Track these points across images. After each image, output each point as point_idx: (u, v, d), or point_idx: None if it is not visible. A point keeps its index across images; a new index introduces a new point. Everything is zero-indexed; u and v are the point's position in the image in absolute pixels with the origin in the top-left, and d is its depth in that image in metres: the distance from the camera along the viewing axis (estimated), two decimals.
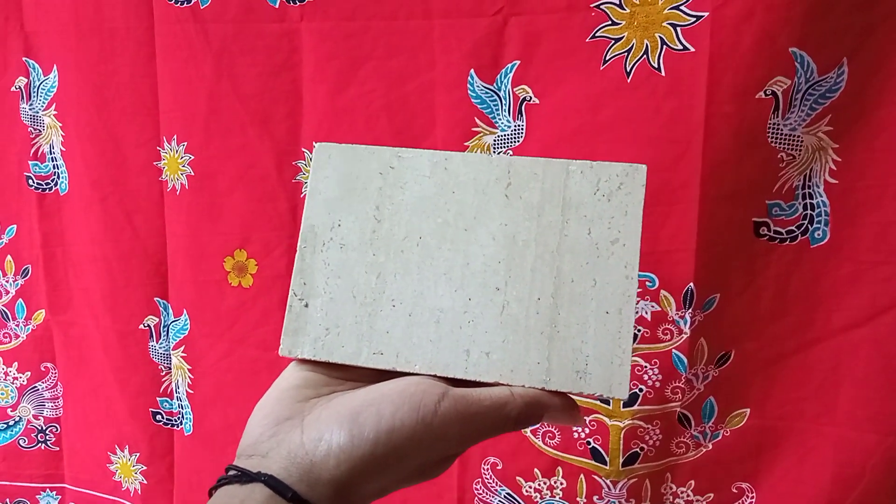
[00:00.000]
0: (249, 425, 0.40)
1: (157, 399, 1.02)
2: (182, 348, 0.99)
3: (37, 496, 1.13)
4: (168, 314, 0.99)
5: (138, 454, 1.04)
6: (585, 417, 0.78)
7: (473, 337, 0.42)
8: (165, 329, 1.00)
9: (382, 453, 0.37)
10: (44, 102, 1.01)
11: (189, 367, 0.99)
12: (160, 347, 1.01)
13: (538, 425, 0.80)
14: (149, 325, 1.00)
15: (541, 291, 0.42)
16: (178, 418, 1.02)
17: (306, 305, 0.44)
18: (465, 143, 0.81)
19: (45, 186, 1.04)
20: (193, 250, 0.95)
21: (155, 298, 0.99)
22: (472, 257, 0.43)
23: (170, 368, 1.01)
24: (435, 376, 0.42)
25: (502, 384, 0.42)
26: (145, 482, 1.05)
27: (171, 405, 1.02)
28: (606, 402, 0.78)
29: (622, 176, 0.43)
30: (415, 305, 0.43)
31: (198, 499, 1.02)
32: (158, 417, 1.03)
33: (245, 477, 0.37)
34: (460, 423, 0.39)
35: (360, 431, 0.37)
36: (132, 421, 1.03)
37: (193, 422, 1.00)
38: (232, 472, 0.38)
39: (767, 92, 0.69)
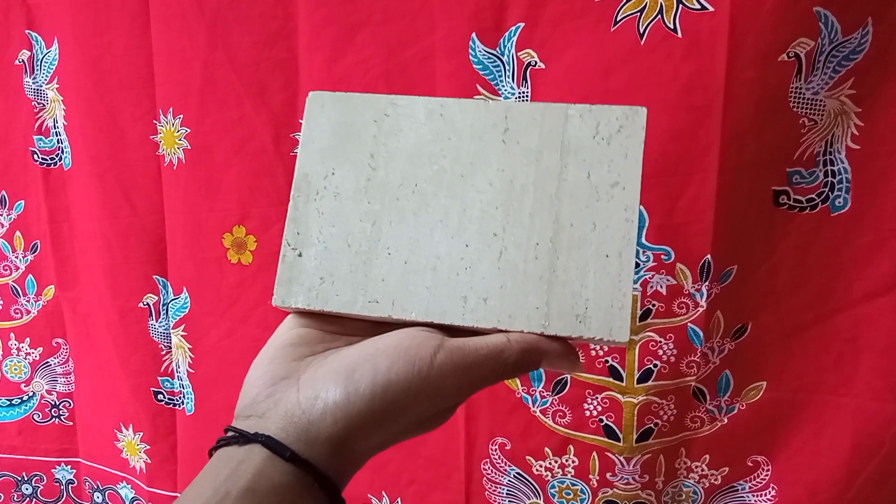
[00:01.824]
0: (245, 386, 0.40)
1: (158, 378, 1.01)
2: (182, 327, 0.97)
3: (52, 470, 1.14)
4: (167, 292, 0.97)
5: (142, 433, 1.03)
6: (597, 395, 0.77)
7: (471, 283, 0.42)
8: (165, 307, 0.98)
9: (379, 408, 0.37)
10: (47, 76, 0.99)
11: (190, 347, 0.97)
12: (160, 326, 0.99)
13: (552, 399, 0.78)
14: (148, 304, 0.98)
15: (539, 236, 0.42)
16: (180, 398, 1.00)
17: (300, 255, 0.43)
18: None
19: (49, 161, 1.03)
20: (192, 227, 0.92)
21: (154, 276, 0.97)
22: (469, 203, 0.43)
23: (170, 347, 0.99)
24: (431, 324, 0.42)
25: (500, 330, 0.41)
26: (149, 461, 1.04)
27: (173, 385, 1.00)
28: (619, 378, 0.76)
29: (622, 119, 0.42)
30: (411, 253, 0.43)
31: None
32: (160, 397, 1.01)
33: (242, 438, 0.37)
34: (457, 375, 0.38)
35: (355, 388, 0.37)
36: (134, 400, 1.02)
37: (195, 402, 0.98)
38: (230, 434, 0.37)
39: (790, 54, 0.66)
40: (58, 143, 1.02)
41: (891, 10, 0.65)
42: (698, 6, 0.67)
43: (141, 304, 0.99)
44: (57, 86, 0.98)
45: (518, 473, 0.82)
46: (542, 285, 0.41)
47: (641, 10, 0.69)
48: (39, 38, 0.98)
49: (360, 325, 0.43)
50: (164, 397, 1.01)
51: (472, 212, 0.43)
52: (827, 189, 0.70)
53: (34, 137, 1.02)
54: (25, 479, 1.14)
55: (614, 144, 0.42)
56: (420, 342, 0.39)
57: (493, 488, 0.83)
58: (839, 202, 0.70)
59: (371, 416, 0.37)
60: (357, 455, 0.38)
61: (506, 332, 0.41)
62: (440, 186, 0.43)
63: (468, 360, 0.39)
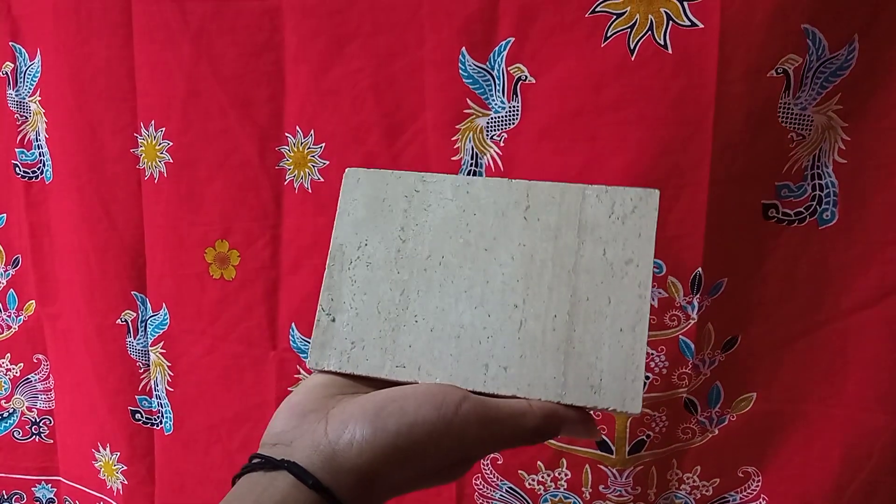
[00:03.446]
0: (275, 417, 0.41)
1: (136, 397, 0.98)
2: (161, 344, 0.95)
3: (32, 488, 1.12)
4: (146, 309, 0.95)
5: (119, 453, 1.01)
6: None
7: (492, 352, 0.44)
8: (143, 324, 0.96)
9: (404, 446, 0.38)
10: (29, 88, 0.97)
11: (169, 364, 0.95)
12: (138, 344, 0.97)
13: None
14: (126, 320, 0.96)
15: (557, 309, 0.44)
16: (158, 417, 0.98)
17: (333, 320, 0.46)
18: (457, 126, 0.77)
19: (31, 175, 1.00)
20: (172, 241, 0.91)
21: (132, 292, 0.95)
22: (492, 276, 0.45)
23: (148, 365, 0.97)
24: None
25: (519, 397, 0.43)
26: (126, 483, 1.01)
27: (151, 404, 0.98)
28: None
29: (636, 200, 0.45)
30: (436, 321, 0.45)
31: (180, 501, 0.98)
32: (137, 416, 0.99)
33: (269, 464, 0.38)
34: (479, 426, 0.40)
35: (383, 424, 0.38)
36: (112, 419, 1.00)
37: (174, 421, 0.96)
38: (256, 461, 0.38)
39: (779, 70, 0.67)
40: (39, 156, 0.99)
41: (876, 27, 0.66)
42: (688, 22, 0.68)
43: (119, 321, 0.96)
44: (39, 98, 0.96)
45: (510, 488, 0.81)
46: (559, 356, 0.43)
47: (632, 26, 0.70)
48: (23, 49, 0.96)
49: (388, 384, 0.44)
50: (142, 416, 0.99)
51: (495, 284, 0.45)
52: (815, 202, 0.71)
53: (16, 150, 1.00)
54: (5, 497, 1.11)
55: (629, 224, 0.45)
56: (447, 391, 0.41)
57: None
58: (827, 215, 0.71)
59: (395, 454, 0.38)
60: (378, 492, 0.39)
61: (526, 399, 0.43)
62: (465, 259, 0.46)
63: (490, 415, 0.40)
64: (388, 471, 0.38)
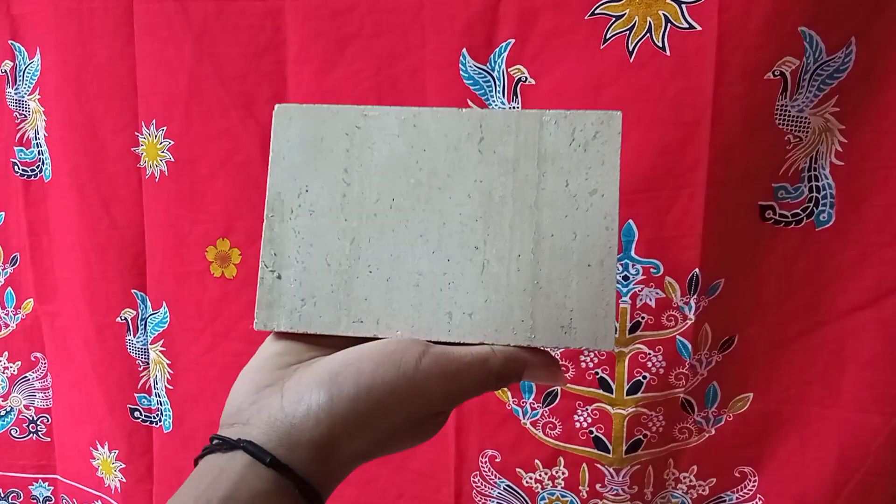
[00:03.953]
0: (231, 395, 0.40)
1: (135, 395, 0.99)
2: (161, 342, 0.95)
3: (29, 486, 1.12)
4: (146, 307, 0.95)
5: (117, 451, 1.01)
6: (588, 407, 0.77)
7: (454, 298, 0.42)
8: (143, 322, 0.96)
9: (363, 409, 0.37)
10: (29, 86, 0.97)
11: (168, 363, 0.95)
12: (137, 342, 0.97)
13: (542, 411, 0.78)
14: (126, 319, 0.96)
15: (521, 248, 0.42)
16: (157, 415, 0.98)
17: (279, 277, 0.42)
18: None
19: (30, 173, 1.01)
20: (173, 240, 0.91)
21: (133, 290, 0.95)
22: (448, 217, 0.42)
23: (148, 363, 0.97)
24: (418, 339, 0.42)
25: (487, 344, 0.41)
26: (125, 481, 1.01)
27: (150, 402, 0.98)
28: (609, 390, 0.76)
29: (597, 124, 0.42)
30: (392, 270, 0.42)
31: None
32: (136, 414, 0.99)
33: (226, 445, 0.36)
34: (442, 379, 0.39)
35: (339, 390, 0.37)
36: (110, 417, 1.00)
37: (173, 419, 0.96)
38: (214, 442, 0.37)
39: (776, 72, 0.67)
40: (38, 154, 1.00)
41: (873, 30, 0.67)
42: (686, 25, 0.69)
43: (118, 319, 0.97)
44: (39, 97, 0.96)
45: (508, 486, 0.81)
46: (525, 298, 0.41)
47: (631, 29, 0.71)
48: (22, 48, 0.96)
49: (346, 340, 0.42)
50: (141, 415, 0.99)
51: (452, 225, 0.42)
52: (812, 204, 0.72)
53: (15, 149, 1.00)
54: (2, 495, 1.11)
55: (591, 151, 0.42)
56: (405, 347, 0.39)
57: (483, 501, 0.83)
58: (824, 217, 0.72)
59: (355, 418, 0.37)
60: (341, 460, 0.38)
61: (491, 345, 0.41)
62: (418, 200, 0.42)
63: (453, 366, 0.39)
64: (350, 437, 0.37)
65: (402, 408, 0.38)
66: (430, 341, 0.41)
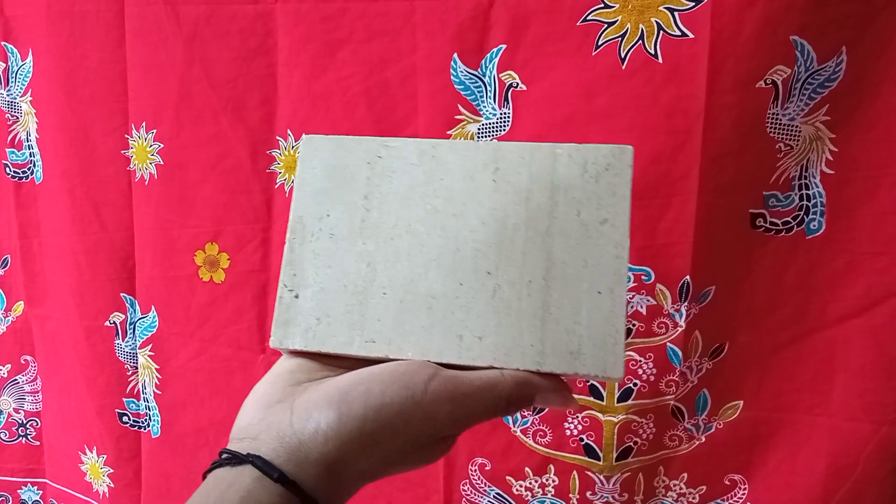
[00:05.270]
0: (242, 410, 0.40)
1: (124, 400, 0.98)
2: (149, 347, 0.95)
3: (18, 490, 1.11)
4: (135, 311, 0.95)
5: (105, 456, 1.00)
6: (578, 414, 0.77)
7: (466, 322, 0.42)
8: (132, 326, 0.95)
9: (371, 429, 0.37)
10: (21, 88, 0.97)
11: (157, 367, 0.95)
12: (126, 346, 0.96)
13: (532, 418, 0.78)
14: (114, 322, 0.96)
15: (532, 274, 0.42)
16: (146, 420, 0.97)
17: (296, 296, 0.44)
18: (448, 132, 0.78)
19: (21, 175, 1.00)
20: (162, 244, 0.90)
21: (121, 294, 0.95)
22: (463, 243, 0.43)
23: (136, 368, 0.97)
24: (428, 361, 0.42)
25: (496, 367, 0.41)
26: (113, 486, 1.01)
27: (138, 406, 0.98)
28: (599, 397, 0.76)
29: (609, 157, 0.44)
30: (406, 292, 0.43)
31: None
32: (125, 419, 0.98)
33: (234, 459, 0.37)
34: (451, 403, 0.39)
35: (348, 409, 0.37)
36: (99, 422, 0.99)
37: (161, 424, 0.96)
38: (223, 456, 0.38)
39: (768, 81, 0.67)
40: (30, 156, 0.99)
41: (864, 39, 0.67)
42: (679, 32, 0.69)
43: (107, 323, 0.96)
44: (31, 98, 0.96)
45: (498, 494, 0.81)
46: (536, 323, 0.42)
47: (623, 36, 0.70)
48: (15, 49, 0.96)
49: (358, 360, 0.43)
50: (129, 419, 0.98)
51: (466, 251, 0.43)
52: (802, 212, 0.72)
53: (6, 150, 1.00)
54: None
55: (602, 182, 0.43)
56: (415, 369, 0.39)
57: None
58: (814, 225, 0.72)
59: (362, 438, 0.37)
60: (348, 479, 0.38)
61: (501, 369, 0.41)
62: (433, 226, 0.44)
63: (462, 390, 0.39)
64: (357, 457, 0.37)
65: (410, 430, 0.38)
66: (441, 364, 0.41)
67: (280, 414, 0.38)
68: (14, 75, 0.97)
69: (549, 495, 0.80)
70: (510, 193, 0.44)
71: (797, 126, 0.69)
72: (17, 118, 0.99)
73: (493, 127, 0.76)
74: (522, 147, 0.44)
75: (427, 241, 0.43)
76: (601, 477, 0.78)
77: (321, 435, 0.37)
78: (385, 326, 0.43)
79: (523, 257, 0.43)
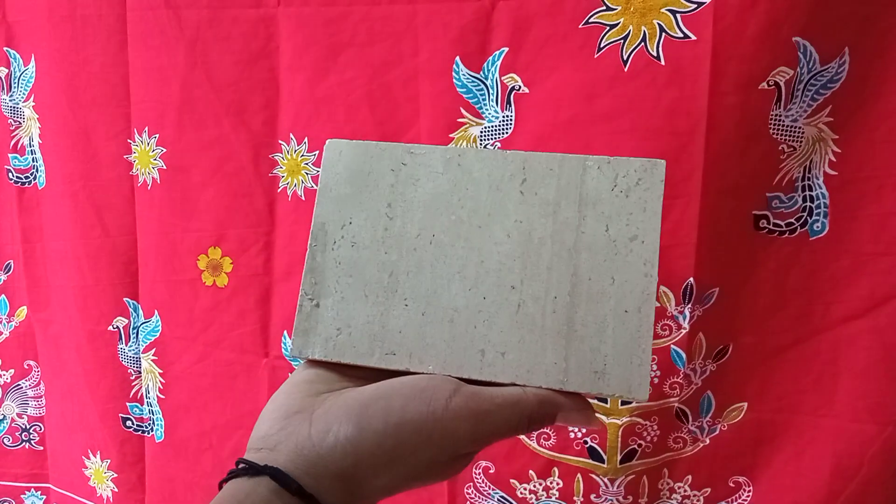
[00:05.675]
0: (260, 419, 0.40)
1: (127, 404, 0.98)
2: (153, 351, 0.95)
3: (22, 496, 1.11)
4: (138, 315, 0.95)
5: (109, 460, 1.00)
6: None
7: (488, 336, 0.41)
8: (135, 331, 0.95)
9: (391, 445, 0.37)
10: (24, 93, 0.97)
11: (160, 371, 0.95)
12: (129, 350, 0.96)
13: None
14: (118, 327, 0.96)
15: (557, 290, 0.41)
16: (149, 425, 0.97)
17: (317, 305, 0.43)
18: (451, 135, 0.78)
19: (24, 180, 1.00)
20: (165, 248, 0.90)
21: (124, 299, 0.95)
22: (487, 255, 0.42)
23: (139, 372, 0.97)
24: (449, 376, 0.41)
25: (518, 385, 0.40)
26: (116, 490, 1.01)
27: (142, 411, 0.98)
28: (603, 400, 0.76)
29: (640, 171, 0.42)
30: (428, 304, 0.42)
31: None
32: (128, 423, 0.98)
33: (252, 470, 0.37)
34: (471, 420, 0.38)
35: (368, 424, 0.37)
36: (102, 426, 0.99)
37: (165, 429, 0.96)
38: (241, 466, 0.37)
39: (770, 82, 0.67)
40: (33, 161, 0.99)
41: (867, 40, 0.67)
42: (681, 34, 0.69)
43: (111, 328, 0.96)
44: (33, 104, 0.96)
45: (502, 497, 0.81)
46: (560, 340, 0.41)
47: (625, 38, 0.70)
48: (17, 55, 0.96)
49: (378, 371, 0.42)
50: (133, 424, 0.98)
51: (490, 263, 0.42)
52: (805, 214, 0.72)
53: (9, 156, 1.00)
54: None
55: (633, 197, 0.42)
56: (437, 385, 0.39)
57: None
58: (817, 226, 0.72)
59: (381, 453, 0.37)
60: (365, 494, 0.38)
61: (523, 386, 0.40)
62: (458, 237, 0.43)
63: (483, 407, 0.38)
64: (375, 472, 0.37)
65: (429, 447, 0.38)
66: (461, 379, 0.41)
67: (299, 425, 0.38)
68: (17, 80, 0.97)
69: (553, 498, 0.79)
70: (537, 206, 0.42)
71: (800, 127, 0.69)
72: (20, 123, 0.99)
73: (495, 130, 0.76)
74: (551, 157, 0.43)
75: (450, 253, 0.43)
76: (605, 479, 0.78)
77: (340, 449, 0.37)
78: (406, 339, 0.42)
79: (549, 272, 0.42)
